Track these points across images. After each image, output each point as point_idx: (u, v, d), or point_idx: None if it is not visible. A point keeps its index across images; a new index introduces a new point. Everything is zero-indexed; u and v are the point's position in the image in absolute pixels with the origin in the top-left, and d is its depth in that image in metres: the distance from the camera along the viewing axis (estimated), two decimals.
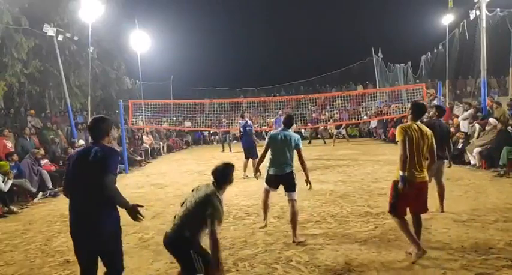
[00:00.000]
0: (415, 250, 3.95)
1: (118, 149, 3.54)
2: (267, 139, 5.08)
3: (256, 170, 5.29)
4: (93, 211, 2.83)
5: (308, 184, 4.85)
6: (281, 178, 4.89)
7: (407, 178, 3.88)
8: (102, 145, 2.98)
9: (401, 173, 3.88)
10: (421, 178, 3.96)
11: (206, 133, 22.09)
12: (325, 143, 17.94)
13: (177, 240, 3.08)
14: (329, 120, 19.38)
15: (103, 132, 3.04)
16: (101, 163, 2.81)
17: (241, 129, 10.06)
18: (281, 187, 4.96)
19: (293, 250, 4.43)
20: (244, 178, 9.12)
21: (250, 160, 9.33)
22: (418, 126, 4.03)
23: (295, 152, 4.90)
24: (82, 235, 2.89)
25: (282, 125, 5.10)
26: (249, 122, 10.31)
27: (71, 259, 4.53)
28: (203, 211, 3.06)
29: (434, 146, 4.12)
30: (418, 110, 4.15)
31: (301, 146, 4.88)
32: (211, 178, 3.35)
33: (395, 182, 3.98)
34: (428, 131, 4.07)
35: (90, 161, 2.84)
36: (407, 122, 4.24)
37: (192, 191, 3.41)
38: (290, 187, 4.83)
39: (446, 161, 5.85)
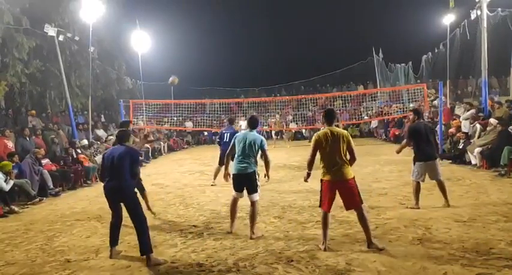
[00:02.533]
0: (321, 244, 4.37)
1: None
2: (233, 140, 5.22)
3: (226, 174, 5.36)
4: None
5: (266, 177, 5.15)
6: (243, 178, 4.98)
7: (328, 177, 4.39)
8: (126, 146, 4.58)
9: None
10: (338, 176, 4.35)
11: (206, 133, 22.11)
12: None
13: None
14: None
15: (126, 138, 4.65)
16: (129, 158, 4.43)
17: (227, 136, 8.29)
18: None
19: (294, 250, 4.43)
20: (212, 185, 8.51)
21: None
22: (330, 130, 4.42)
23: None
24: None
25: (248, 127, 5.25)
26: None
27: (72, 258, 4.55)
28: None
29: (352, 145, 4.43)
30: (329, 115, 4.53)
31: (265, 147, 5.02)
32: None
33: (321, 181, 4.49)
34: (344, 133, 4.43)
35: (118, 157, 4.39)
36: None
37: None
38: (251, 189, 4.97)
39: (438, 159, 6.03)
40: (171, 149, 17.97)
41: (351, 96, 20.86)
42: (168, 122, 19.76)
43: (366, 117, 19.78)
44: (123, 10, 18.76)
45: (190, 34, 26.42)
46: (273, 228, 5.31)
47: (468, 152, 9.74)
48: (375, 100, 21.26)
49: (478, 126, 10.18)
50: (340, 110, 20.68)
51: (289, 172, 10.19)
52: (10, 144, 9.42)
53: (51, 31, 11.73)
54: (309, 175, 4.57)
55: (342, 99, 20.54)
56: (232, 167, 5.10)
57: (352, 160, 4.45)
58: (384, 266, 3.84)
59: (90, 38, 13.23)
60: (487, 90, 11.72)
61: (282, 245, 4.58)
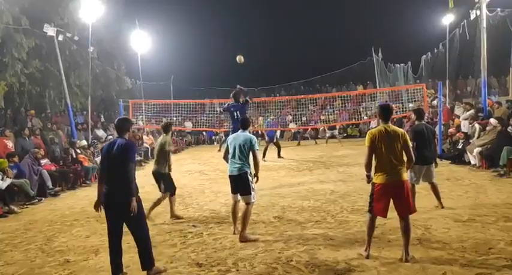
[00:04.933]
0: (364, 251, 4.11)
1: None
2: (226, 142, 5.25)
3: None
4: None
5: (255, 178, 5.02)
6: (236, 179, 4.96)
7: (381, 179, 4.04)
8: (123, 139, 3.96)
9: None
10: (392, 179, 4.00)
11: (205, 133, 22.11)
12: (316, 143, 18.00)
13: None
14: (326, 122, 19.46)
15: (125, 129, 4.04)
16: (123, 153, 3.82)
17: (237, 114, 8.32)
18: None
19: (293, 250, 4.43)
20: None
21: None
22: (386, 128, 4.11)
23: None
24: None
25: (240, 127, 5.24)
26: None
27: (71, 258, 4.54)
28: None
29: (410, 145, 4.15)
30: (386, 111, 4.27)
31: (255, 148, 4.98)
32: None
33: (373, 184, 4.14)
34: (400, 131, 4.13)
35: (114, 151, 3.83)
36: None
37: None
38: (244, 190, 4.91)
39: (434, 163, 5.97)
40: None
41: (350, 96, 20.85)
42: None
43: (365, 117, 19.76)
44: (122, 10, 18.74)
45: (190, 34, 26.40)
46: (273, 228, 5.31)
47: (467, 152, 9.74)
48: (374, 100, 21.24)
49: (477, 126, 10.19)
50: (339, 110, 20.71)
51: (288, 172, 10.19)
52: (10, 144, 9.42)
53: (50, 31, 11.73)
54: (368, 177, 4.15)
55: (341, 100, 20.53)
56: (227, 168, 5.12)
57: (410, 161, 4.10)
58: (383, 266, 3.84)
59: (90, 38, 13.22)
60: (486, 90, 11.73)
61: (281, 245, 4.58)
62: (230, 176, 5.04)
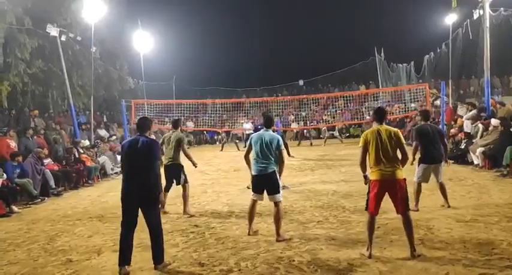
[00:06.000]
0: (365, 251, 4.11)
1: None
2: (249, 141, 5.16)
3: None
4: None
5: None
6: (264, 178, 4.87)
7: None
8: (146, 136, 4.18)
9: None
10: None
11: (206, 133, 22.15)
12: (311, 145, 17.99)
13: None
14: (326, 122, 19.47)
15: (147, 127, 4.26)
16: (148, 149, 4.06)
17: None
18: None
19: (295, 250, 4.43)
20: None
21: None
22: (379, 129, 4.24)
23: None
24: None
25: (264, 126, 5.19)
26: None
27: (74, 258, 4.56)
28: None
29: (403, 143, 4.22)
30: (380, 113, 4.42)
31: (282, 147, 4.92)
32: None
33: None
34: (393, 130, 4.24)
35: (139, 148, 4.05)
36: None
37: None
38: (272, 189, 4.84)
39: (442, 163, 5.92)
40: None
41: (352, 96, 20.85)
42: (169, 122, 19.77)
43: (367, 117, 19.73)
44: (125, 10, 18.81)
45: (192, 34, 26.46)
46: (275, 228, 5.30)
47: (470, 152, 9.71)
48: (376, 100, 21.21)
49: (480, 126, 10.15)
50: (341, 110, 20.69)
51: (290, 172, 10.18)
52: (13, 144, 9.46)
53: (53, 31, 11.76)
54: (365, 177, 4.26)
55: (343, 99, 20.50)
56: (252, 168, 5.00)
57: (404, 159, 4.19)
58: (386, 266, 3.83)
59: (92, 38, 13.25)
60: (489, 90, 11.69)
61: (283, 245, 4.58)
62: (256, 176, 4.93)
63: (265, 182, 4.88)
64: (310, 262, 4.04)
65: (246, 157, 5.18)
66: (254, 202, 5.03)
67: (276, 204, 4.81)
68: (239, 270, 3.95)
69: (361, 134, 4.62)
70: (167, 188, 6.37)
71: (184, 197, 6.29)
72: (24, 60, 12.89)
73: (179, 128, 6.69)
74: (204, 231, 5.33)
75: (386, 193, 4.14)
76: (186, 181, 6.38)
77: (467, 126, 11.17)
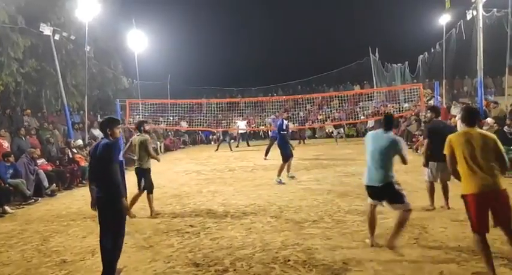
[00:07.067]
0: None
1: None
2: (366, 138, 4.46)
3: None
4: None
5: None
6: (377, 190, 4.14)
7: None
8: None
9: None
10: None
11: (201, 133, 22.10)
12: (304, 143, 18.00)
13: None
14: (326, 120, 19.47)
15: (105, 128, 3.95)
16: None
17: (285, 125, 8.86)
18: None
19: (290, 249, 4.43)
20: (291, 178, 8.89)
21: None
22: (471, 133, 3.61)
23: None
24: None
25: (382, 126, 4.32)
26: (285, 122, 8.99)
27: (68, 258, 4.52)
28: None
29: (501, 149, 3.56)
30: (471, 114, 3.79)
31: (403, 152, 4.16)
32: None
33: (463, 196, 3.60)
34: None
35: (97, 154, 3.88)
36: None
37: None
38: (393, 200, 4.13)
39: None
40: (167, 149, 17.93)
41: (347, 96, 20.93)
42: (164, 121, 19.73)
43: (362, 117, 19.84)
44: (119, 9, 18.71)
45: (187, 33, 26.40)
46: (270, 228, 5.30)
47: None
48: (371, 100, 21.34)
49: None
50: (336, 110, 20.75)
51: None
52: (6, 144, 9.37)
53: (46, 30, 11.66)
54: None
55: (338, 99, 20.56)
56: (364, 176, 4.35)
57: (503, 168, 3.54)
58: (381, 266, 3.84)
59: (86, 37, 13.16)
60: (482, 90, 11.79)
61: (278, 245, 4.58)
62: (368, 187, 4.23)
63: (379, 194, 4.25)
64: (306, 262, 4.04)
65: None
66: (373, 208, 4.35)
67: (400, 213, 4.19)
68: (234, 270, 3.94)
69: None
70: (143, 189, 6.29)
71: (148, 198, 6.24)
72: (17, 60, 12.78)
73: (142, 131, 6.40)
74: (199, 231, 5.32)
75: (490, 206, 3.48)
76: (146, 188, 6.20)
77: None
